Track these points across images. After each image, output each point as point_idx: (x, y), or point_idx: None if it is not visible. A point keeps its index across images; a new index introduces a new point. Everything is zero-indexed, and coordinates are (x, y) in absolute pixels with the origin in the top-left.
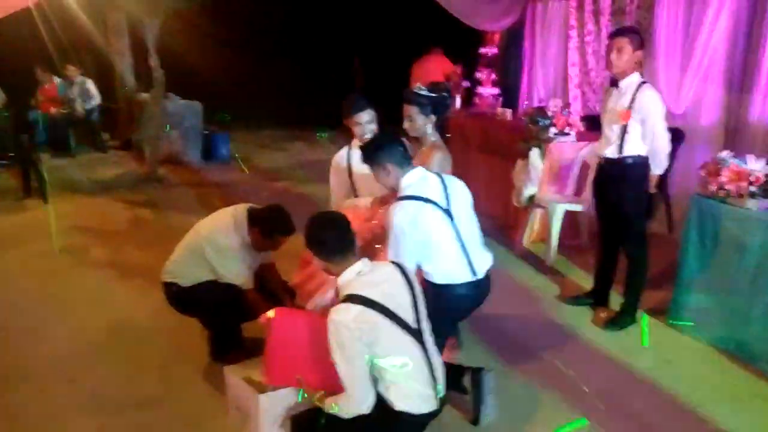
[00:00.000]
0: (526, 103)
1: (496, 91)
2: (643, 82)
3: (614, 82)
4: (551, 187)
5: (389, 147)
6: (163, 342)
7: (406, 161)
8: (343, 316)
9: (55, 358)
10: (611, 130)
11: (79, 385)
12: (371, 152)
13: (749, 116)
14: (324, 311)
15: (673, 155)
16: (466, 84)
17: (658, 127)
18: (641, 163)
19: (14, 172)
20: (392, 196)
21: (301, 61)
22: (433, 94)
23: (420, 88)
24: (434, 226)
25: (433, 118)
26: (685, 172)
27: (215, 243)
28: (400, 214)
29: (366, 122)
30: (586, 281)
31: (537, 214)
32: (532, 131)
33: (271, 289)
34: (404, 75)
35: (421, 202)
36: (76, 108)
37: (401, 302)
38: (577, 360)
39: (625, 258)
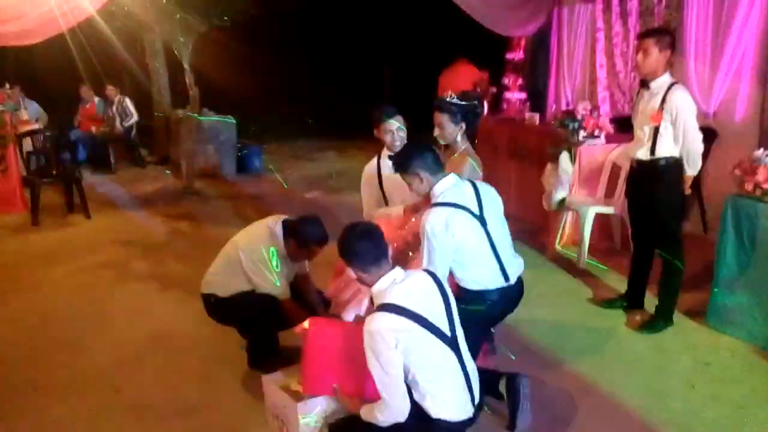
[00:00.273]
0: (554, 107)
1: (523, 95)
2: (674, 83)
3: (645, 84)
4: (582, 190)
5: (420, 155)
6: (203, 352)
7: (438, 168)
8: (378, 324)
9: (99, 368)
10: (643, 132)
11: (122, 394)
12: (403, 160)
13: None
14: (359, 321)
15: (705, 155)
16: (493, 90)
17: (690, 127)
18: (674, 165)
19: (57, 189)
20: (424, 203)
21: (330, 73)
22: (464, 103)
23: (451, 96)
24: (467, 233)
25: (463, 126)
26: (718, 172)
27: (252, 254)
28: (433, 221)
29: (396, 129)
30: (619, 284)
31: (568, 218)
32: (561, 135)
33: (307, 299)
34: (432, 84)
35: (454, 209)
36: (115, 126)
37: (435, 310)
38: (612, 364)
39: (660, 260)
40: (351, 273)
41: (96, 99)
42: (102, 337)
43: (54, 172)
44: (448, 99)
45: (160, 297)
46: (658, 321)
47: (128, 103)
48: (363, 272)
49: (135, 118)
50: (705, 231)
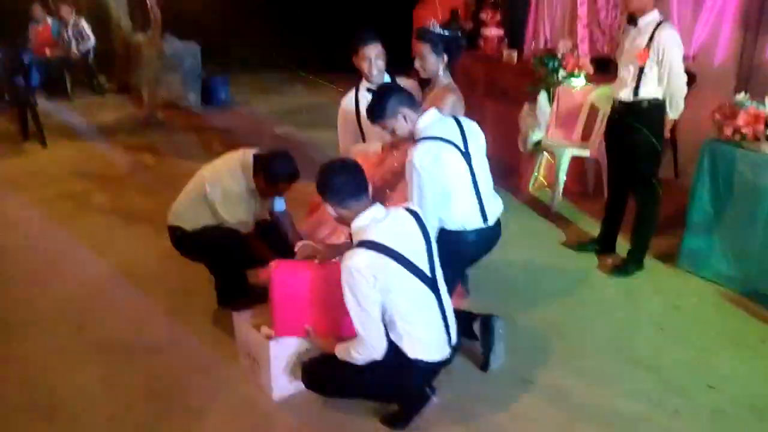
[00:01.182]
0: (532, 44)
1: (501, 32)
2: (663, 21)
3: (632, 20)
4: (558, 132)
5: (396, 93)
6: (170, 287)
7: (417, 105)
8: (357, 261)
9: (61, 304)
10: (627, 72)
11: (86, 331)
12: (379, 105)
13: (765, 57)
14: (324, 260)
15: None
16: (469, 25)
17: (676, 68)
18: (657, 107)
19: (10, 115)
20: (403, 141)
21: (301, 3)
22: (447, 33)
23: (434, 25)
24: (454, 168)
25: (445, 58)
26: (693, 116)
27: (220, 187)
28: (421, 154)
29: (374, 57)
30: (591, 228)
31: (543, 160)
32: (540, 74)
33: (284, 236)
34: (406, 18)
35: (441, 142)
36: (71, 50)
37: (416, 249)
38: (584, 306)
39: (635, 204)
40: (330, 211)
41: (50, 20)
42: (62, 271)
43: (6, 96)
44: (430, 28)
45: (123, 231)
46: (630, 264)
47: (84, 25)
48: (342, 207)
49: (92, 41)
50: (676, 176)
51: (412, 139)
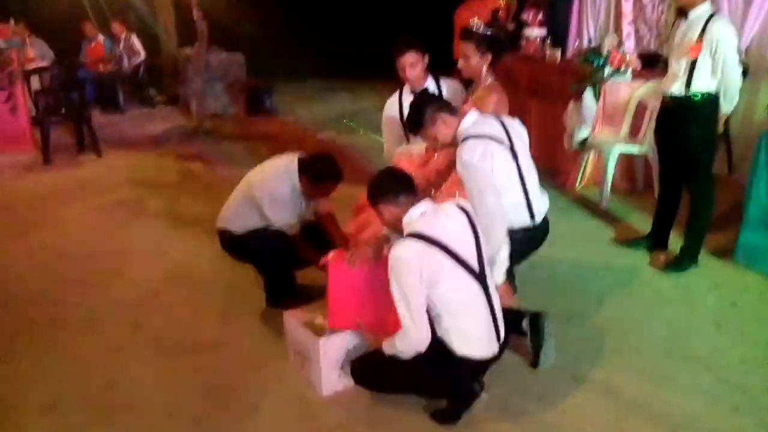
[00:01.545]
0: (576, 42)
1: (544, 31)
2: (714, 13)
3: (682, 13)
4: (605, 129)
5: (433, 101)
6: (222, 289)
7: (455, 110)
8: (404, 251)
9: (117, 305)
10: (679, 65)
11: (141, 331)
12: (416, 114)
13: None
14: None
15: None
16: (511, 26)
17: (730, 60)
18: (710, 100)
19: (67, 129)
20: (448, 147)
21: (340, 10)
22: (490, 32)
23: (477, 24)
24: (502, 164)
25: (489, 57)
26: (747, 110)
27: (266, 190)
28: (470, 152)
29: (409, 66)
30: (642, 225)
31: (590, 158)
32: (585, 71)
33: (328, 236)
34: (446, 22)
35: (487, 139)
36: (123, 65)
37: (465, 244)
38: (636, 303)
39: (689, 199)
40: (383, 217)
41: (101, 37)
42: (119, 274)
43: (63, 111)
44: (474, 28)
45: (176, 235)
46: (684, 260)
47: (135, 40)
48: (395, 206)
49: (142, 56)
50: (729, 171)
51: (456, 143)
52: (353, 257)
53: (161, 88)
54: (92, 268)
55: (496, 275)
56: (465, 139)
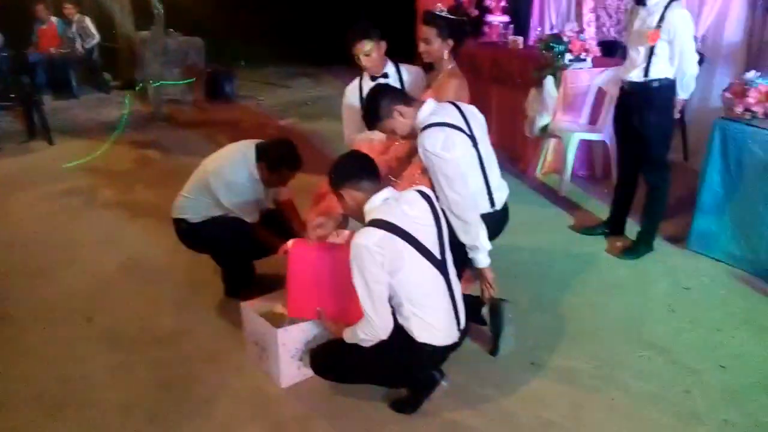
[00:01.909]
0: (538, 29)
1: (506, 18)
2: (672, 0)
3: (640, 1)
4: (566, 116)
5: (386, 92)
6: (177, 279)
7: (411, 100)
8: (366, 239)
9: (69, 297)
10: (637, 52)
11: (95, 323)
12: (372, 108)
13: None
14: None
15: None
16: (474, 12)
17: (687, 48)
18: (668, 87)
19: (17, 114)
20: (407, 138)
21: None
22: (453, 17)
23: (440, 9)
24: (462, 151)
25: (450, 42)
26: (702, 98)
27: (223, 177)
28: (432, 141)
29: (364, 54)
30: (600, 211)
31: (550, 145)
32: (546, 58)
33: (288, 224)
34: (410, 7)
35: (447, 127)
36: (75, 47)
37: (427, 231)
38: (593, 290)
39: (645, 186)
40: (344, 202)
41: (54, 19)
42: (71, 265)
43: (12, 95)
44: (437, 12)
45: (130, 225)
46: (640, 246)
47: (89, 22)
48: (357, 190)
49: (96, 39)
50: (685, 158)
51: (415, 133)
52: (313, 229)
53: (116, 73)
54: (42, 258)
55: (480, 259)
56: (425, 128)
